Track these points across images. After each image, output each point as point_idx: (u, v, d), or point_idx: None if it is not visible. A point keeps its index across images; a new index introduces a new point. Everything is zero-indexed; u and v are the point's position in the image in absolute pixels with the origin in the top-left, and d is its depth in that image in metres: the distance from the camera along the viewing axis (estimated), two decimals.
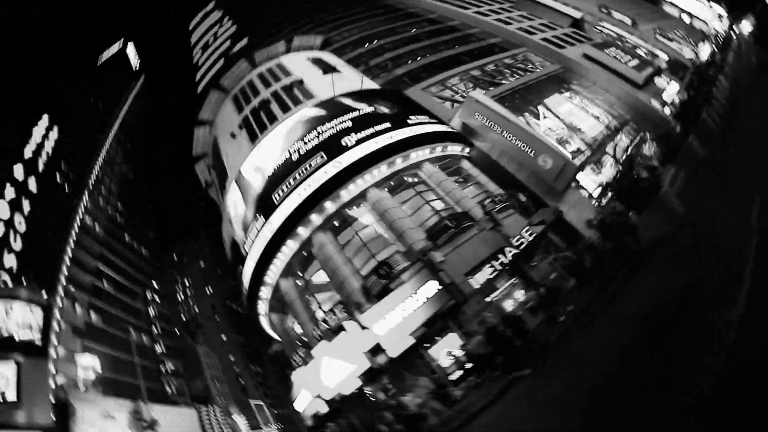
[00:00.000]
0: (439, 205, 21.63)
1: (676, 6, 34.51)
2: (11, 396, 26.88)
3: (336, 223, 21.42)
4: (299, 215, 20.82)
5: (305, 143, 22.75)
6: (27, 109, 47.72)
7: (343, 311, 18.55)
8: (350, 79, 30.08)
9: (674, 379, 4.33)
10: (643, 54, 33.27)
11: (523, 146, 23.79)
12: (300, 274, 22.76)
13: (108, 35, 70.27)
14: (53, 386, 30.26)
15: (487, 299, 17.74)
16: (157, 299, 50.74)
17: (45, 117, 48.13)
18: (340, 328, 17.48)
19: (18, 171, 39.15)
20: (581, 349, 8.81)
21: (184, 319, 54.54)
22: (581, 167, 25.42)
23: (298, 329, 23.12)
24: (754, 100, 14.80)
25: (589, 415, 5.08)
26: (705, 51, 30.64)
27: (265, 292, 23.43)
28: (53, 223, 42.64)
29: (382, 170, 21.68)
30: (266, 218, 21.86)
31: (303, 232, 21.01)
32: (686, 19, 33.60)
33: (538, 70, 34.08)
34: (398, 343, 16.33)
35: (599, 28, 36.12)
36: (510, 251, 18.43)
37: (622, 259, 11.80)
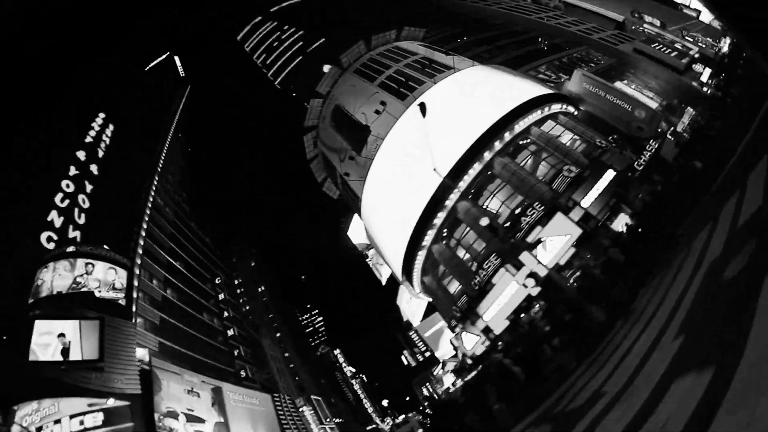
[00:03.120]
0: (580, 137, 31.34)
1: (695, 9, 48.73)
2: (92, 353, 25.89)
3: (511, 149, 30.27)
4: (484, 142, 29.46)
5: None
6: (84, 107, 53.06)
7: (540, 206, 26.94)
8: (465, 61, 39.95)
9: None
10: (679, 47, 46.37)
11: (622, 103, 34.36)
12: (475, 195, 30.91)
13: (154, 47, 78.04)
14: (137, 353, 30.62)
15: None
16: (225, 287, 54.90)
17: (101, 114, 53.20)
18: (552, 212, 25.73)
19: (81, 155, 43.65)
20: None
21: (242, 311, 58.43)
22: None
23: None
24: None
25: None
26: (725, 44, 43.92)
27: (440, 217, 31.14)
28: (120, 203, 46.49)
29: (537, 113, 31.26)
30: (451, 145, 30.10)
31: (486, 155, 29.55)
32: (705, 19, 47.66)
33: (601, 62, 45.93)
34: (599, 212, 25.05)
35: (639, 28, 49.50)
36: (635, 167, 28.09)
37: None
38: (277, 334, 62.16)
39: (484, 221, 29.39)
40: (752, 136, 12.09)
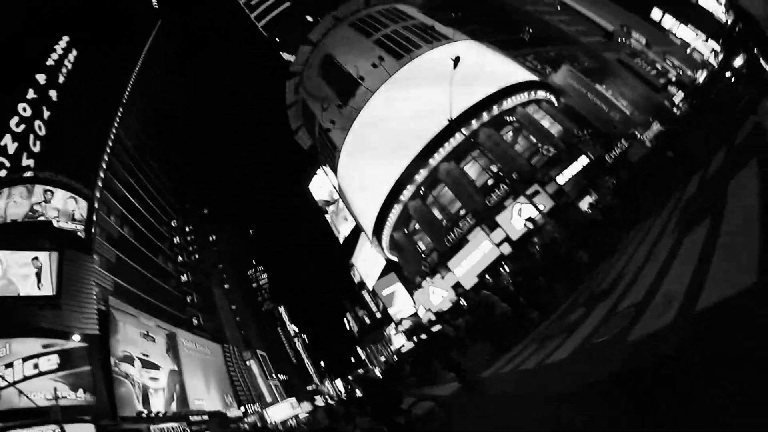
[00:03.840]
0: (559, 125, 33.45)
1: (679, 38, 52.26)
2: (47, 288, 23.72)
3: (497, 123, 31.76)
4: (473, 113, 30.62)
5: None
6: (48, 29, 48.74)
7: (517, 176, 28.61)
8: (461, 34, 40.77)
9: None
10: (659, 68, 49.71)
11: (600, 103, 36.75)
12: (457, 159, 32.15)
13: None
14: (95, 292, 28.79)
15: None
16: (180, 231, 53.41)
17: (65, 37, 48.98)
18: (529, 183, 27.41)
19: (40, 78, 40.78)
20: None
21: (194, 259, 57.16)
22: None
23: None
24: None
25: None
26: (701, 75, 47.59)
27: (422, 174, 32.00)
28: (80, 133, 43.42)
29: (523, 96, 32.89)
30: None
31: (474, 124, 30.81)
32: (687, 49, 51.33)
33: (585, 63, 48.32)
34: (572, 189, 27.08)
35: (626, 41, 52.41)
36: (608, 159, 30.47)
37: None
38: (226, 285, 61.42)
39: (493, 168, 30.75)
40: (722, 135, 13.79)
